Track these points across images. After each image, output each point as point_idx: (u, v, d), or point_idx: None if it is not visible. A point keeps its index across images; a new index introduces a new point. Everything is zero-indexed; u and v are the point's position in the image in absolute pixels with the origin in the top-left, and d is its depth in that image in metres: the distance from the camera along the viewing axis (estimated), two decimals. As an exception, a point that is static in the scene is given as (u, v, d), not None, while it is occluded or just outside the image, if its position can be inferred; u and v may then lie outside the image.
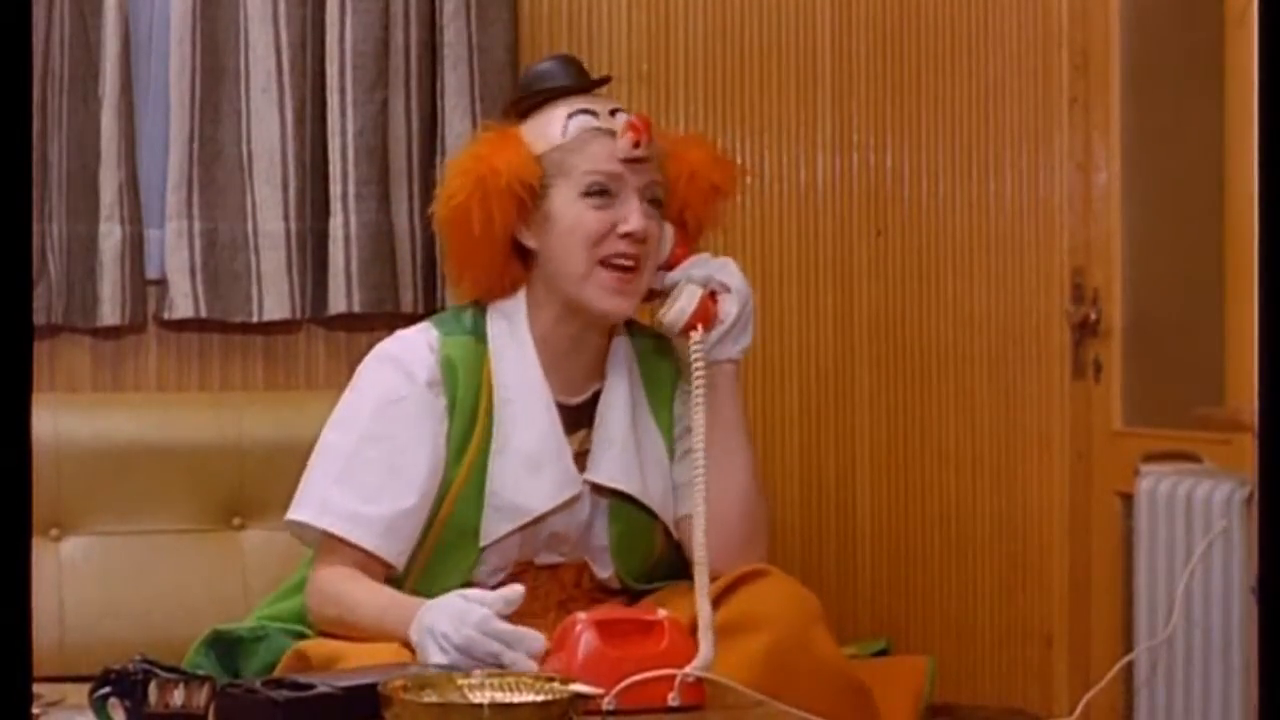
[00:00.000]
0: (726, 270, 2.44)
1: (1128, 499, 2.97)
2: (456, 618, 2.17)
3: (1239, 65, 2.77)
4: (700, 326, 2.39)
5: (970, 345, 3.35)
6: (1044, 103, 3.34)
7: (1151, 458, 2.93)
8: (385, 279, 3.02)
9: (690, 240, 2.49)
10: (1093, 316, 3.25)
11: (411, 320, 2.76)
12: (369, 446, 2.40)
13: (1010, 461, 3.35)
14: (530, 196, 2.40)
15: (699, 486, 2.28)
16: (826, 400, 3.30)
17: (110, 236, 2.96)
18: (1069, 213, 3.32)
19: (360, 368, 2.49)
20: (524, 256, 2.45)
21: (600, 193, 2.40)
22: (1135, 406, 3.21)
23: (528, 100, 2.50)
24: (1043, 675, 3.33)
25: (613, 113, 2.45)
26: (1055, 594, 3.32)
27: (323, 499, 2.40)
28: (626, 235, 2.38)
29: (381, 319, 3.03)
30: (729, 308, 2.42)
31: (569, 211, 2.40)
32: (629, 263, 2.39)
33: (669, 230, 2.46)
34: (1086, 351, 3.28)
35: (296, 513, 2.42)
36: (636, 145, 2.40)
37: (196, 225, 3.01)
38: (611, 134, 2.41)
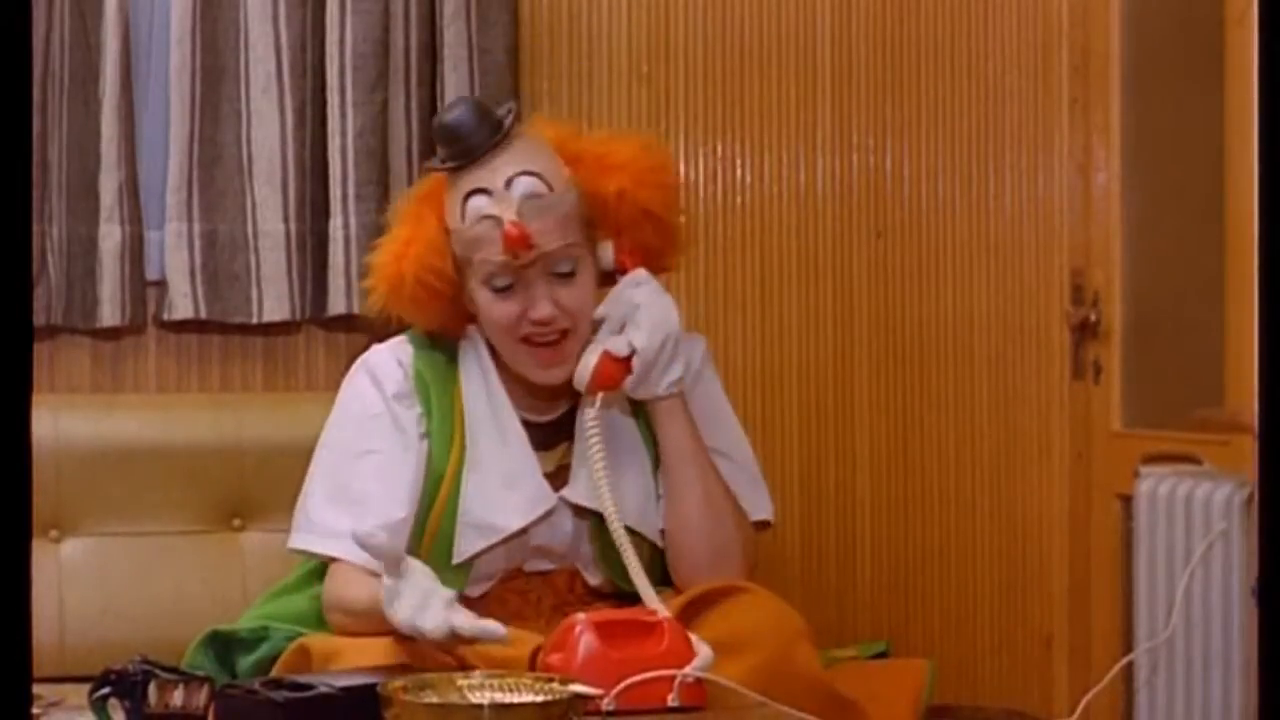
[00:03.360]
0: (636, 319, 2.37)
1: (1127, 500, 2.97)
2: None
3: (1239, 65, 2.77)
4: (601, 392, 2.36)
5: (970, 346, 3.35)
6: (1044, 103, 3.34)
7: (1151, 459, 2.93)
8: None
9: (637, 252, 2.42)
10: (1092, 318, 3.25)
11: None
12: (353, 463, 2.42)
13: (1010, 462, 3.35)
14: (447, 281, 2.38)
15: (620, 538, 2.29)
16: (826, 400, 3.30)
17: (110, 238, 2.96)
18: (1069, 214, 3.32)
19: (342, 387, 2.51)
20: None
21: (501, 285, 2.36)
22: (1135, 408, 3.20)
23: (436, 170, 2.44)
24: (1043, 676, 3.33)
25: (510, 182, 2.35)
26: (1055, 595, 3.32)
27: (319, 523, 2.42)
28: (535, 321, 2.36)
29: (381, 320, 3.03)
30: (635, 364, 2.36)
31: (479, 299, 2.39)
32: (551, 336, 2.37)
33: (608, 247, 2.41)
34: (1086, 353, 3.28)
35: (297, 540, 2.45)
36: (515, 257, 2.33)
37: (196, 226, 3.01)
38: (500, 223, 2.33)
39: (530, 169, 2.37)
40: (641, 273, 2.41)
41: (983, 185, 3.36)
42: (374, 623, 2.25)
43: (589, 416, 2.36)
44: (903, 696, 2.36)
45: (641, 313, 2.37)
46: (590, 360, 2.37)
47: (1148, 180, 3.22)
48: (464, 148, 2.37)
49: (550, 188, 2.37)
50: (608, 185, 2.41)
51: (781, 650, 2.22)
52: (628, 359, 2.37)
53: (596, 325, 2.41)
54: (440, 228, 2.39)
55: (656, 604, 2.25)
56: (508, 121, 2.40)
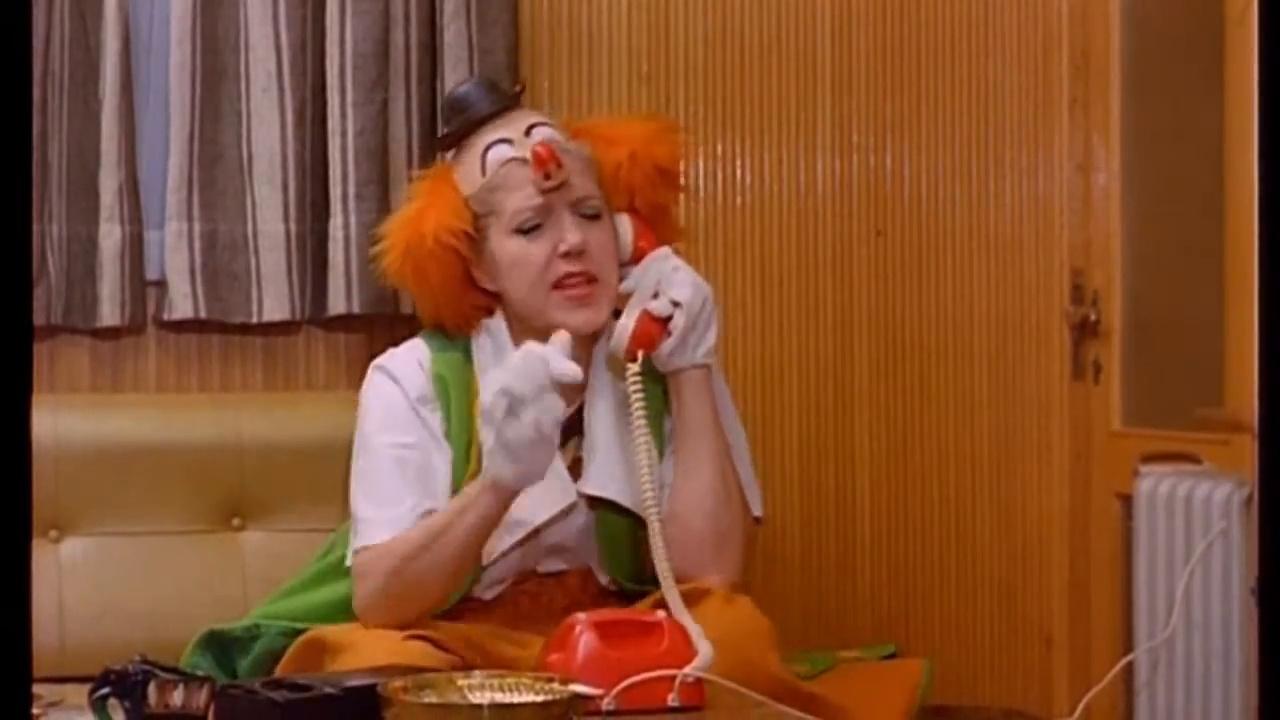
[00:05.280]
0: (675, 280, 2.39)
1: (1127, 500, 2.97)
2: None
3: (1239, 65, 2.77)
4: (641, 352, 2.37)
5: (970, 346, 3.35)
6: (1044, 103, 3.34)
7: (1151, 458, 2.93)
8: (385, 280, 3.02)
9: (652, 229, 2.46)
10: (1092, 317, 3.25)
11: (411, 322, 2.75)
12: (385, 456, 2.39)
13: (1010, 462, 3.35)
14: (468, 243, 2.40)
15: (650, 508, 2.28)
16: (826, 400, 3.30)
17: (110, 237, 2.96)
18: (1069, 213, 3.32)
19: (361, 391, 2.48)
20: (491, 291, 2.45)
21: (531, 227, 2.39)
22: (1134, 407, 3.20)
23: (448, 138, 2.49)
24: (1043, 676, 3.33)
25: (529, 131, 2.42)
26: (1055, 595, 3.32)
27: (367, 520, 2.38)
28: (566, 254, 2.37)
29: (381, 320, 3.03)
30: (676, 321, 2.38)
31: (507, 250, 2.40)
32: (581, 278, 2.38)
33: (625, 222, 2.44)
34: (1086, 352, 3.28)
35: (355, 543, 2.39)
36: (547, 177, 2.37)
37: (196, 226, 3.01)
38: (527, 162, 2.38)
39: (547, 122, 2.46)
40: (667, 249, 2.44)
41: (982, 185, 3.36)
42: (461, 528, 2.25)
43: (631, 373, 2.35)
44: (897, 697, 2.35)
45: (681, 274, 2.41)
46: (629, 321, 2.38)
47: (1148, 180, 3.22)
48: (476, 111, 2.44)
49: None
50: (618, 153, 2.45)
51: (751, 657, 2.20)
52: (666, 321, 2.38)
53: (623, 299, 2.42)
54: (457, 197, 2.42)
55: (678, 603, 2.22)
56: (516, 90, 2.51)
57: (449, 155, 2.55)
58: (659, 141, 2.48)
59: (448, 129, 2.49)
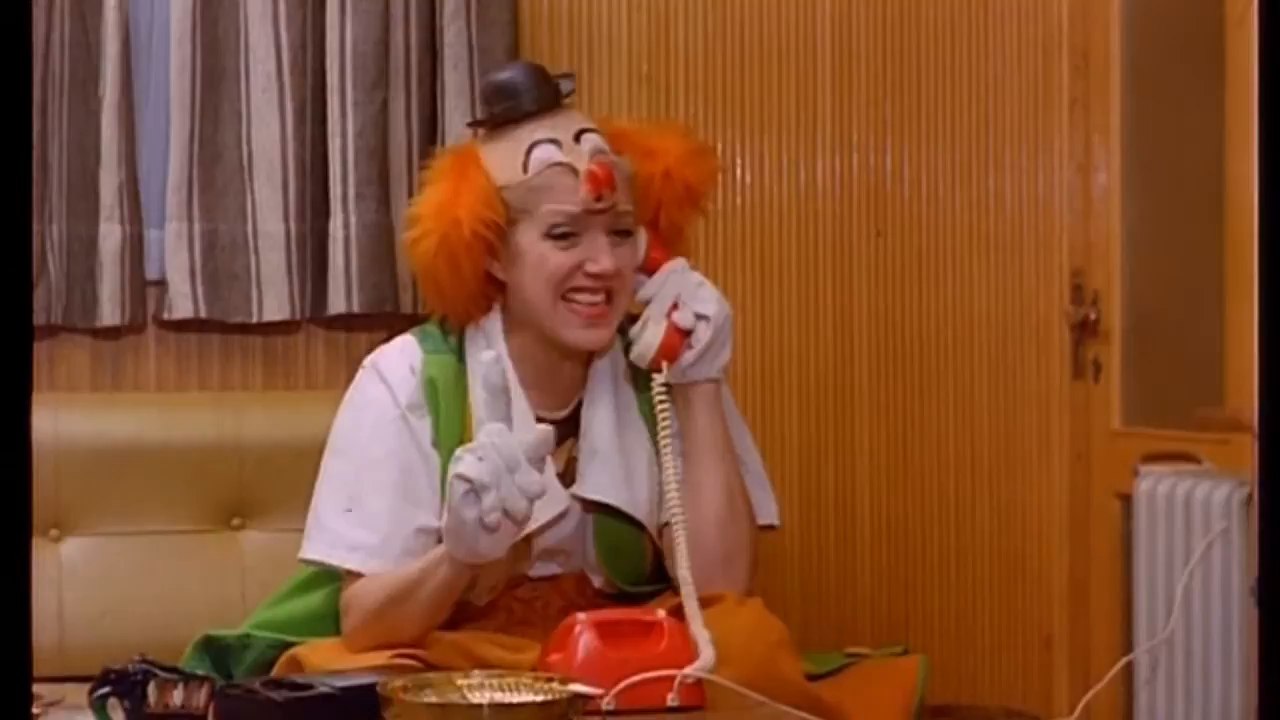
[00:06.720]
0: (700, 295, 2.38)
1: (1127, 500, 2.97)
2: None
3: (1239, 65, 2.77)
4: (666, 363, 2.36)
5: (970, 345, 3.35)
6: (1044, 103, 3.34)
7: (1151, 458, 2.93)
8: (385, 280, 3.02)
9: (667, 242, 2.43)
10: (1092, 317, 3.25)
11: (411, 321, 2.75)
12: (370, 470, 2.35)
13: (1010, 462, 3.35)
14: (497, 234, 2.34)
15: (676, 516, 2.27)
16: (826, 400, 3.30)
17: (110, 237, 2.96)
18: (1069, 213, 3.32)
19: (350, 389, 2.44)
20: (497, 279, 2.41)
21: (564, 234, 2.34)
22: (1134, 407, 3.21)
23: (484, 123, 2.44)
24: (1042, 675, 3.33)
25: (578, 137, 2.36)
26: (1055, 594, 3.33)
27: (334, 533, 2.35)
28: (593, 274, 2.33)
29: (381, 320, 3.03)
30: (701, 335, 2.37)
31: (533, 251, 2.34)
32: (597, 297, 2.34)
33: (640, 233, 2.41)
34: (1086, 352, 3.28)
35: (311, 551, 2.37)
36: (598, 199, 2.32)
37: (196, 226, 3.01)
38: (574, 171, 2.33)
39: (595, 129, 2.40)
40: (683, 261, 2.42)
41: (983, 185, 3.36)
42: (419, 602, 2.23)
43: (658, 383, 2.33)
44: (896, 692, 2.34)
45: (705, 289, 2.39)
46: (656, 332, 2.36)
47: (1148, 180, 3.22)
48: (522, 104, 2.38)
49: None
50: (653, 165, 2.41)
51: (764, 660, 2.19)
52: (688, 333, 2.37)
53: (638, 308, 2.40)
54: (488, 184, 2.35)
55: (697, 616, 2.21)
56: (568, 85, 2.43)
57: (477, 133, 2.50)
58: (693, 163, 2.45)
59: (489, 112, 2.42)
